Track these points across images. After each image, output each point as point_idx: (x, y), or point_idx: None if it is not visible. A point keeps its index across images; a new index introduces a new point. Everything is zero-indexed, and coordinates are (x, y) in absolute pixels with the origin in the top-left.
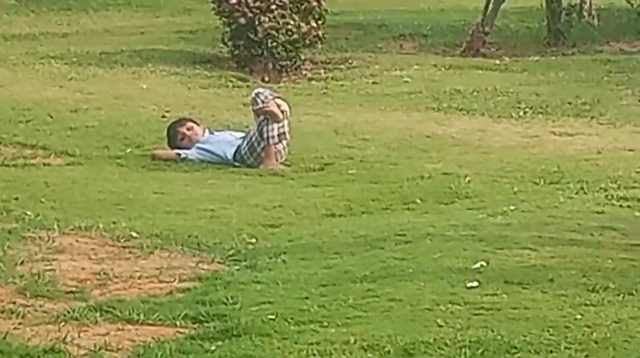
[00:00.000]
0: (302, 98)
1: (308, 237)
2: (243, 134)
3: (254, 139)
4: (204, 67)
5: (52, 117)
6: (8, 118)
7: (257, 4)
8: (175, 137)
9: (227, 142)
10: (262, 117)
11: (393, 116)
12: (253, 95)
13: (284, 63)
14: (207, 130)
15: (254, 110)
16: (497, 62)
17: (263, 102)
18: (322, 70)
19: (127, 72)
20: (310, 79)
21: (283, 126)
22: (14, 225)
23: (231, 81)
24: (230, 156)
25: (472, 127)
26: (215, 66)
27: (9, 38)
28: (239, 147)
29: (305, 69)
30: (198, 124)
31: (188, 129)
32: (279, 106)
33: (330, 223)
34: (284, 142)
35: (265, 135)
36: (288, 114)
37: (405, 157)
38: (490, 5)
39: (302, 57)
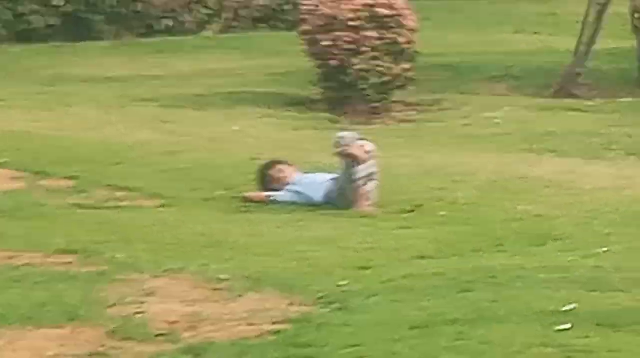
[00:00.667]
0: (393, 140)
1: (399, 279)
2: (333, 176)
3: (342, 181)
4: (296, 109)
5: (143, 159)
6: (101, 160)
7: (349, 46)
8: (264, 179)
9: (317, 183)
10: (349, 160)
11: (484, 158)
12: (336, 139)
13: (375, 105)
14: (298, 172)
15: (335, 153)
16: (589, 103)
17: (342, 146)
18: (413, 112)
19: (219, 114)
20: (401, 121)
21: (370, 167)
22: (105, 267)
23: (321, 122)
24: (320, 198)
25: (564, 168)
26: (306, 108)
27: (103, 81)
28: (328, 189)
29: (397, 111)
30: (290, 165)
31: (279, 172)
32: (362, 146)
33: (421, 265)
34: (373, 183)
35: (352, 178)
36: (374, 153)
37: (496, 199)
38: (582, 47)
39: (393, 99)
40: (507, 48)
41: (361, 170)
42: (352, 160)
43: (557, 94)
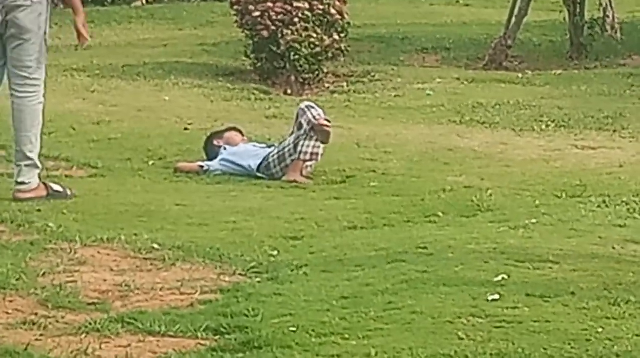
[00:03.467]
0: (324, 111)
1: (330, 249)
2: (265, 145)
3: (286, 149)
4: (227, 79)
5: (74, 129)
6: None
7: (280, 17)
8: (212, 139)
9: (251, 152)
10: (302, 131)
11: (415, 129)
12: (303, 106)
13: (307, 76)
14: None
15: (304, 122)
16: (520, 75)
17: (315, 117)
18: (344, 83)
19: (150, 84)
20: (332, 92)
21: (319, 147)
22: (36, 236)
23: (254, 94)
24: (254, 167)
25: (494, 140)
26: (238, 79)
27: None
28: (268, 154)
29: (328, 82)
30: (243, 136)
31: (234, 136)
32: (326, 118)
33: (352, 236)
34: (313, 163)
35: (299, 149)
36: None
37: (427, 170)
38: (513, 19)
39: (325, 70)
40: (439, 20)
41: (310, 146)
42: (315, 135)
43: (488, 66)
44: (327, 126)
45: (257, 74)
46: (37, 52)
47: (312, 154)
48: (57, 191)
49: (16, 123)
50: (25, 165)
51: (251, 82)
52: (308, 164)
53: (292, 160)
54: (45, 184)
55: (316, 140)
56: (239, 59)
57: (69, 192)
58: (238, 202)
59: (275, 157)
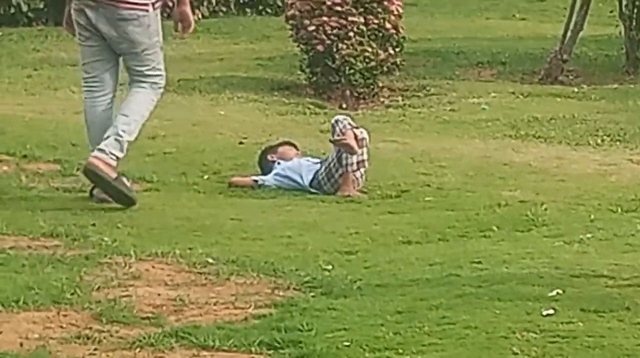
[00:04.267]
0: (379, 125)
1: (384, 264)
2: (319, 160)
3: (332, 165)
4: (282, 94)
5: (130, 143)
6: (86, 143)
7: (335, 31)
8: (266, 154)
9: (304, 167)
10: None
11: (470, 143)
12: (332, 122)
13: (362, 90)
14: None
15: (330, 140)
16: (575, 89)
17: (341, 131)
18: (399, 98)
19: (205, 98)
20: (387, 106)
21: (362, 154)
22: (90, 251)
23: (309, 108)
24: (307, 182)
25: (550, 154)
26: (293, 93)
27: None
28: (316, 172)
29: (383, 96)
30: (297, 150)
31: (287, 150)
32: (356, 136)
33: (406, 250)
34: (362, 170)
35: (343, 162)
36: (367, 141)
37: (482, 185)
38: (569, 33)
39: (380, 84)
40: (494, 34)
41: (354, 156)
42: (345, 150)
43: (544, 80)
44: (343, 140)
45: (312, 88)
46: (152, 60)
47: (358, 162)
48: (124, 184)
49: (123, 104)
50: (115, 139)
51: (306, 96)
52: (357, 174)
53: (340, 175)
54: (118, 173)
55: (352, 154)
56: (294, 73)
57: (134, 189)
58: (292, 217)
59: (324, 174)
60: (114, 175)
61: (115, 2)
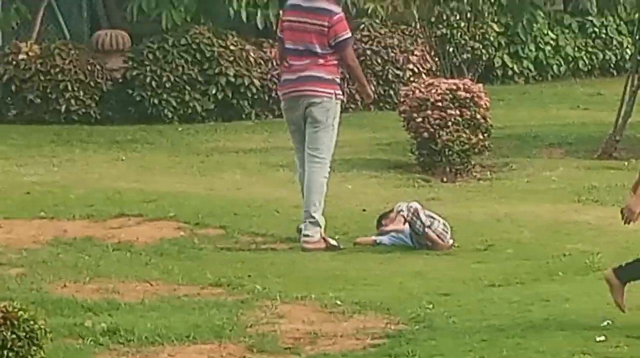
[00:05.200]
0: (472, 194)
1: (473, 303)
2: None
3: (414, 236)
4: (397, 171)
5: (278, 212)
6: (245, 213)
7: (437, 121)
8: (382, 219)
9: (408, 231)
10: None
11: (543, 207)
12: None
13: (458, 167)
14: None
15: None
16: (626, 163)
17: (395, 216)
18: (488, 172)
19: (338, 176)
20: (478, 179)
21: (422, 218)
22: (246, 296)
23: (417, 182)
24: (410, 242)
25: (605, 215)
26: (405, 171)
27: (248, 152)
28: (410, 234)
29: (475, 172)
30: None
31: (395, 218)
32: (401, 214)
33: (491, 292)
34: (436, 223)
35: (416, 228)
36: (420, 208)
37: (551, 240)
38: (620, 119)
39: (473, 163)
40: (563, 121)
41: (422, 217)
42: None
43: (601, 156)
44: (387, 227)
45: (420, 166)
46: (325, 138)
47: (427, 217)
48: (332, 245)
49: (305, 190)
50: (310, 222)
51: (415, 173)
52: (438, 230)
53: (425, 237)
54: (324, 239)
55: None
56: (406, 155)
57: (341, 246)
58: (403, 267)
59: (415, 241)
60: (323, 246)
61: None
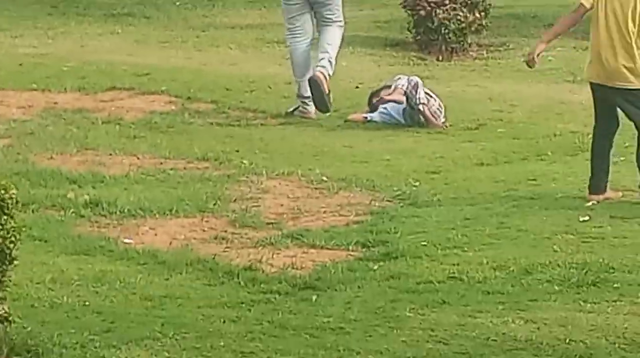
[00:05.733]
0: (466, 73)
1: (460, 181)
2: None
3: (408, 107)
4: (393, 49)
5: (270, 88)
6: (237, 88)
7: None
8: (373, 95)
9: (401, 106)
10: (411, 100)
11: (537, 87)
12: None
13: (454, 46)
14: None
15: (413, 97)
16: None
17: (392, 90)
18: (484, 52)
19: None
20: (475, 59)
21: (421, 92)
22: (232, 171)
23: (412, 60)
24: (404, 120)
25: None
26: (401, 49)
27: (245, 27)
28: (404, 110)
29: (472, 51)
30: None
31: (386, 93)
32: (401, 87)
33: (479, 171)
34: (435, 102)
35: (412, 103)
36: (420, 83)
37: (543, 119)
38: None
39: (469, 42)
40: (564, 2)
41: (420, 93)
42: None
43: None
44: (384, 99)
45: (416, 45)
46: (337, 9)
47: (424, 97)
48: (329, 98)
49: (322, 41)
50: (328, 60)
51: (411, 51)
52: (433, 108)
53: (420, 112)
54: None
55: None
56: (403, 33)
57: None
58: (392, 144)
59: (408, 116)
60: (326, 89)
61: None
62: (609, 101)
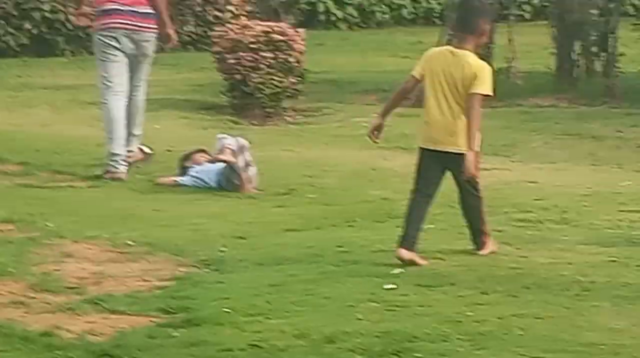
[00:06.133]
0: (281, 138)
1: (269, 246)
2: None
3: (226, 172)
4: (207, 112)
5: (82, 150)
6: (47, 149)
7: (249, 64)
8: (185, 159)
9: (212, 171)
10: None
11: (350, 153)
12: (217, 139)
13: (270, 110)
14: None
15: (212, 157)
16: None
17: (220, 149)
18: (300, 116)
19: (147, 115)
20: (290, 123)
21: (246, 157)
22: (36, 233)
23: (226, 123)
24: (214, 183)
25: (412, 162)
26: (216, 112)
27: (60, 88)
28: (220, 174)
29: (288, 115)
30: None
31: (200, 157)
32: (229, 146)
33: (288, 236)
34: (252, 169)
35: (236, 167)
36: (247, 147)
37: (355, 185)
38: None
39: (285, 106)
40: (380, 68)
41: (241, 161)
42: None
43: (415, 104)
44: (218, 157)
45: (232, 108)
46: (148, 69)
47: (245, 165)
48: (147, 153)
49: (134, 113)
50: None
51: (226, 115)
52: (250, 173)
53: (237, 177)
54: (141, 149)
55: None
56: (218, 97)
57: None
58: (201, 209)
59: (223, 176)
60: (141, 156)
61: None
62: (435, 165)
